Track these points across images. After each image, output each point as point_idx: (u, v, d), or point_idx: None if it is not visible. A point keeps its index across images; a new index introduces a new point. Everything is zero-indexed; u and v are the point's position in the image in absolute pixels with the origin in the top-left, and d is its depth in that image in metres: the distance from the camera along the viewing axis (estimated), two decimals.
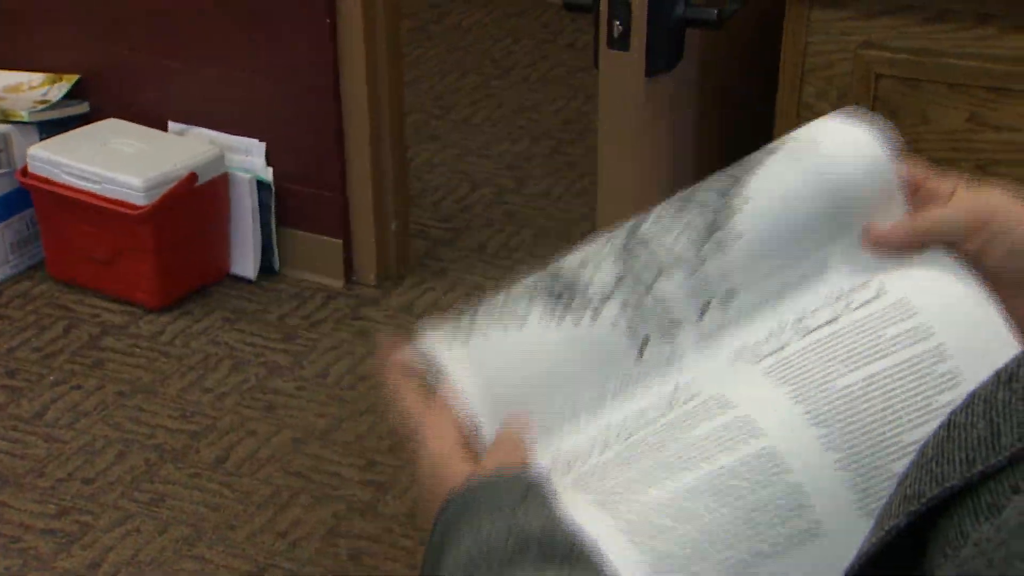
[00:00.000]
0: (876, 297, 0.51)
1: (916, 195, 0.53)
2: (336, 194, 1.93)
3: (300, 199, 1.95)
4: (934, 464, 0.38)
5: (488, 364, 0.51)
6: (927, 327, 0.50)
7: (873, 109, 1.32)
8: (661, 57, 1.10)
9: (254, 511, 1.51)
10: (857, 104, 1.34)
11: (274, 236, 1.96)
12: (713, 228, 0.52)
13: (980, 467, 0.36)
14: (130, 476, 1.57)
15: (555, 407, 0.51)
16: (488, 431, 0.50)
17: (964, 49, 1.32)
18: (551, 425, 0.51)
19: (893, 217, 0.53)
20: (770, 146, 0.54)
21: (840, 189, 0.52)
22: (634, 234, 0.53)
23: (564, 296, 0.51)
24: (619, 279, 0.52)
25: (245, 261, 1.96)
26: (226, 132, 1.93)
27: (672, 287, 0.52)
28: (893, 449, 0.48)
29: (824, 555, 0.47)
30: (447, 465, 0.49)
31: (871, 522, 0.45)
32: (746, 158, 0.54)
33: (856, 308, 0.51)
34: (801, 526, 0.47)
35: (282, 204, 1.95)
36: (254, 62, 1.89)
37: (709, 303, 0.52)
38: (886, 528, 0.38)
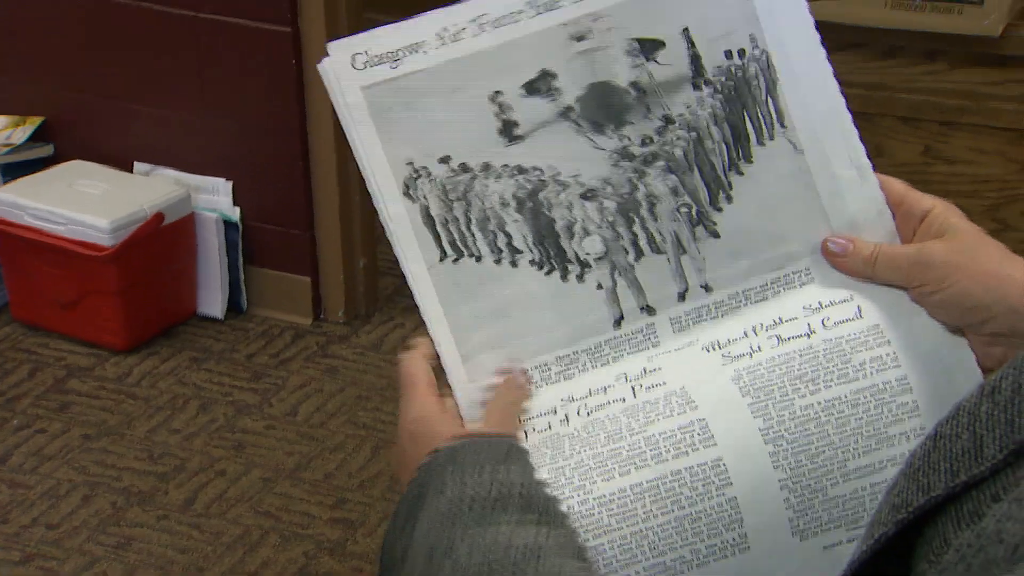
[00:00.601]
0: (852, 319, 0.52)
1: (899, 210, 0.55)
2: (303, 232, 1.90)
3: (267, 237, 1.93)
4: (920, 474, 0.39)
5: (462, 286, 0.52)
6: (896, 357, 0.51)
7: None
8: None
9: (223, 552, 1.48)
10: None
11: (241, 275, 1.94)
12: (697, 220, 0.53)
13: (964, 477, 0.37)
14: (96, 520, 1.53)
15: (522, 345, 0.52)
16: (447, 352, 0.51)
17: (914, 84, 1.36)
18: (515, 358, 0.52)
19: (882, 229, 0.54)
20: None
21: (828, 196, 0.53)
22: (627, 205, 0.53)
23: (554, 259, 0.52)
24: (607, 250, 0.53)
25: (212, 300, 1.94)
26: (192, 172, 1.91)
27: (656, 266, 0.53)
28: (837, 473, 0.49)
29: (744, 570, 0.48)
30: (429, 424, 0.50)
31: (799, 542, 0.47)
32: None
33: (832, 326, 0.52)
34: (729, 539, 0.48)
35: (249, 243, 1.93)
36: (220, 102, 1.86)
37: (688, 290, 0.53)
38: (875, 536, 0.39)
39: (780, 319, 0.52)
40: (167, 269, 1.89)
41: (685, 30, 0.54)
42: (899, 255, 0.53)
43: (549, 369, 0.52)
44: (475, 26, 0.53)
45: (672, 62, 0.55)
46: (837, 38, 1.35)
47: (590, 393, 0.51)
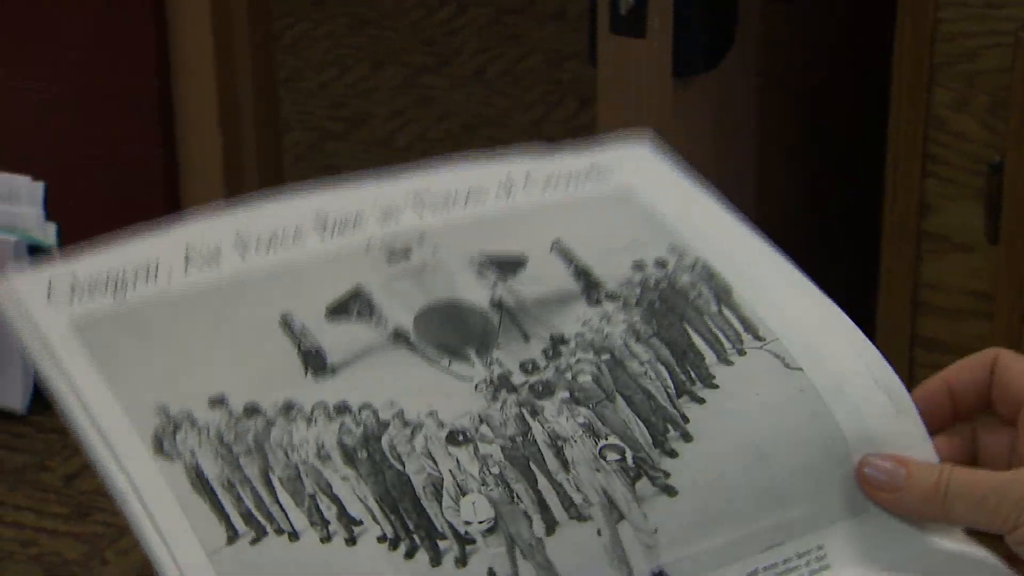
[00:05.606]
0: None
1: (994, 387, 0.56)
2: None
3: None
4: None
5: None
6: None
7: None
8: (696, 47, 1.15)
9: None
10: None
11: None
12: (636, 471, 0.54)
13: None
14: None
15: None
16: None
17: None
18: None
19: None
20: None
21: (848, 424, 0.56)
22: (519, 450, 0.54)
23: (415, 532, 0.53)
24: (499, 517, 0.54)
25: (10, 385, 1.85)
26: None
27: (579, 542, 0.53)
28: None
29: None
30: None
31: None
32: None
33: None
34: None
35: None
36: (21, 48, 1.75)
37: None
38: None
39: None
40: None
41: (557, 243, 0.58)
42: (984, 481, 0.53)
43: None
44: (236, 245, 0.56)
45: (545, 279, 0.57)
46: None
47: None
